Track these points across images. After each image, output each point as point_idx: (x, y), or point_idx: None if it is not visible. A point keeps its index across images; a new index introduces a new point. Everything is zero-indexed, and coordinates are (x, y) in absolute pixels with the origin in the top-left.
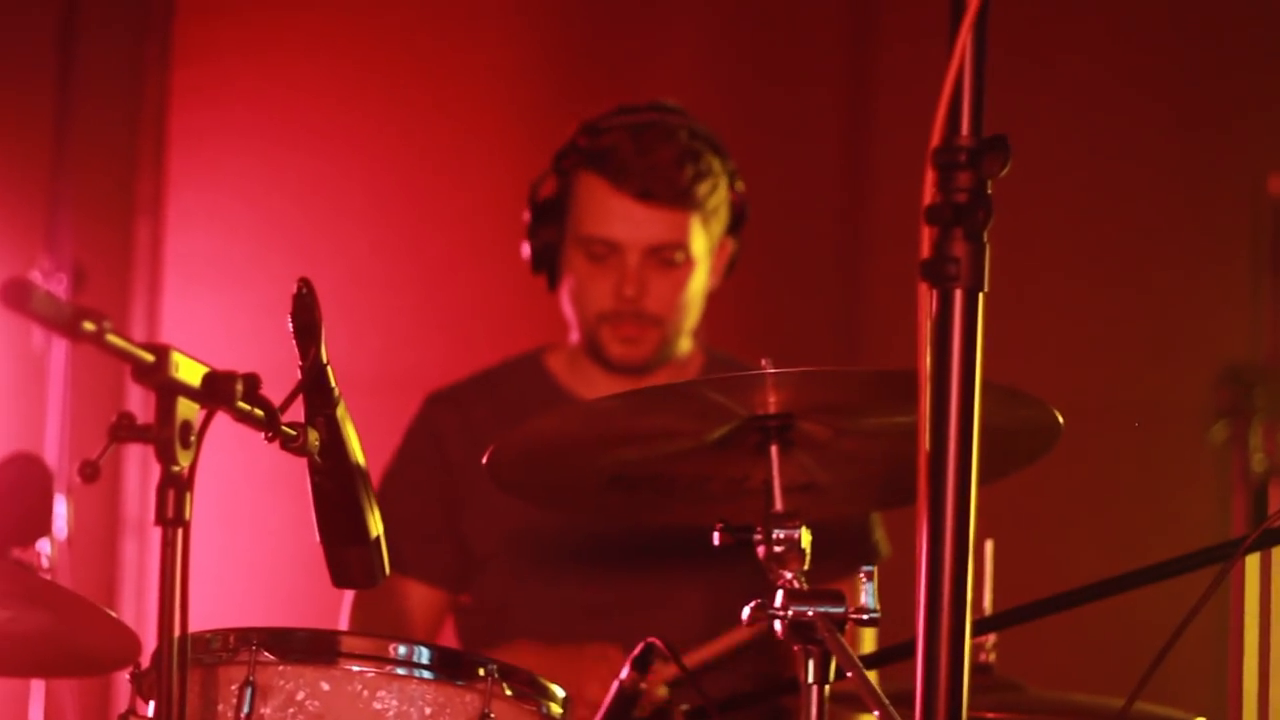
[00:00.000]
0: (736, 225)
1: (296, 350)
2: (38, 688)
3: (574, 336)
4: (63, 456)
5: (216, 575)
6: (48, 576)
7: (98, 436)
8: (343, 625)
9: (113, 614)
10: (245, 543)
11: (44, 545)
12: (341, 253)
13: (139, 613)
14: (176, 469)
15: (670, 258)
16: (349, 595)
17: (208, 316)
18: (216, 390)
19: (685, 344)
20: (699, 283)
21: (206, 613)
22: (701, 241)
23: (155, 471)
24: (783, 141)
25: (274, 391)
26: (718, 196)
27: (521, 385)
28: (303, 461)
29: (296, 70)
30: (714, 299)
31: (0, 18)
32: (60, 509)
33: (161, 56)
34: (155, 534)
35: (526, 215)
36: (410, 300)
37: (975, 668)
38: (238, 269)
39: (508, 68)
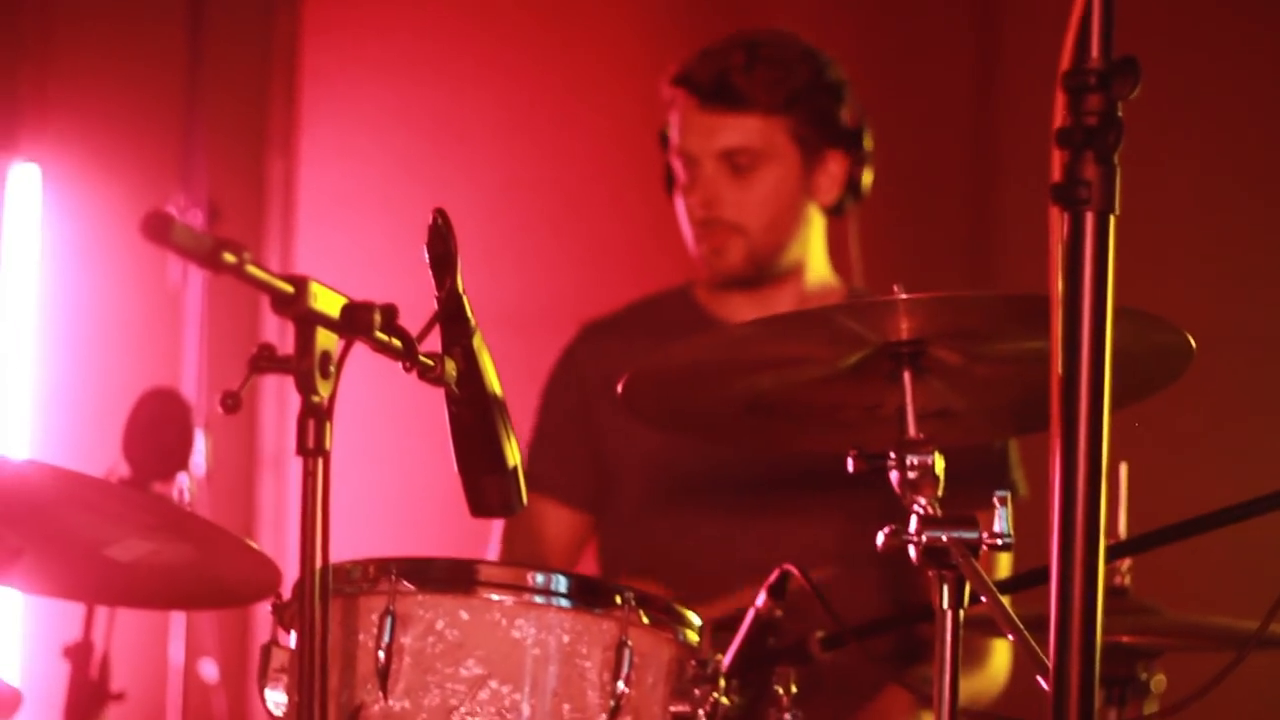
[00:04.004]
0: (845, 143)
1: (432, 280)
2: (178, 620)
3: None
4: (200, 391)
5: (355, 506)
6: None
7: (234, 371)
8: (491, 553)
9: (254, 545)
10: (383, 474)
11: (183, 480)
12: (475, 186)
13: (277, 546)
14: (316, 399)
15: (744, 163)
16: (497, 526)
17: (341, 250)
18: (355, 320)
19: (817, 267)
20: (786, 190)
21: (346, 543)
22: (780, 146)
23: (291, 406)
24: (911, 71)
25: (408, 324)
26: (802, 104)
27: (671, 314)
28: (438, 392)
29: (426, 5)
30: (841, 231)
31: None
32: (199, 444)
33: None
34: (292, 468)
35: (662, 147)
36: (545, 234)
37: (1110, 591)
38: (370, 203)
39: (635, 4)
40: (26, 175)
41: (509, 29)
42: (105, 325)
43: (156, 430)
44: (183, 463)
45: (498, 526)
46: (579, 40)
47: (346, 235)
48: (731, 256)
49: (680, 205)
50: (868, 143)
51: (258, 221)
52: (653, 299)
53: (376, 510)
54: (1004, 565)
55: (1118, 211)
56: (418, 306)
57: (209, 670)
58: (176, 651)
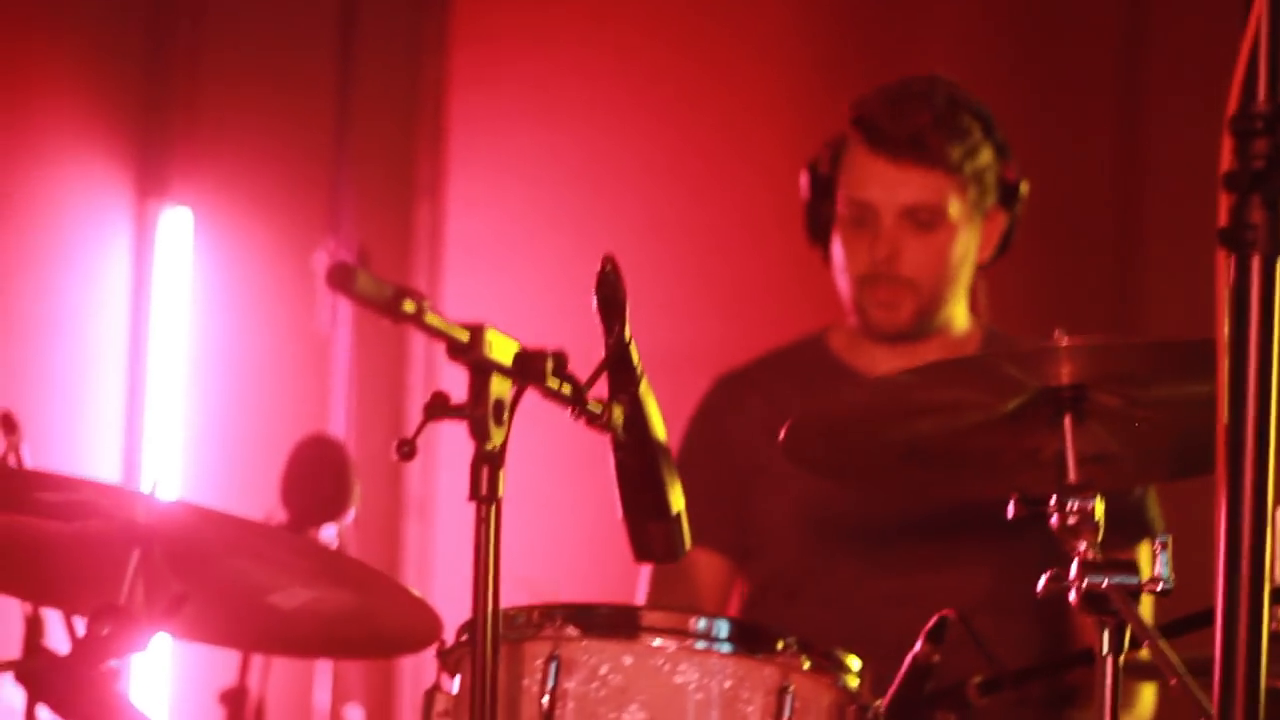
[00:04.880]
0: (1007, 198)
1: (601, 326)
2: (325, 667)
3: (850, 314)
4: (348, 437)
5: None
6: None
7: (381, 416)
8: (640, 599)
9: (417, 593)
10: (540, 520)
11: (332, 527)
12: (619, 232)
13: (422, 591)
14: (490, 446)
15: (925, 220)
16: (644, 574)
17: (487, 297)
18: (529, 368)
19: (960, 317)
20: (960, 249)
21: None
22: (959, 206)
23: (438, 451)
24: (1058, 114)
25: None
26: (978, 162)
27: (807, 364)
28: (595, 438)
29: (572, 51)
30: (995, 277)
31: (282, 4)
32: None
33: (439, 39)
34: (438, 513)
35: (804, 188)
36: (688, 279)
37: (1271, 637)
38: (516, 250)
39: (780, 47)
40: (178, 219)
41: (654, 76)
42: (255, 370)
43: (315, 477)
44: (342, 510)
45: (645, 575)
46: (724, 86)
47: (493, 281)
48: (902, 312)
49: (839, 250)
50: (1024, 193)
51: (405, 267)
52: (787, 350)
53: (535, 555)
54: (1146, 608)
55: None
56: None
57: (355, 716)
58: (323, 697)
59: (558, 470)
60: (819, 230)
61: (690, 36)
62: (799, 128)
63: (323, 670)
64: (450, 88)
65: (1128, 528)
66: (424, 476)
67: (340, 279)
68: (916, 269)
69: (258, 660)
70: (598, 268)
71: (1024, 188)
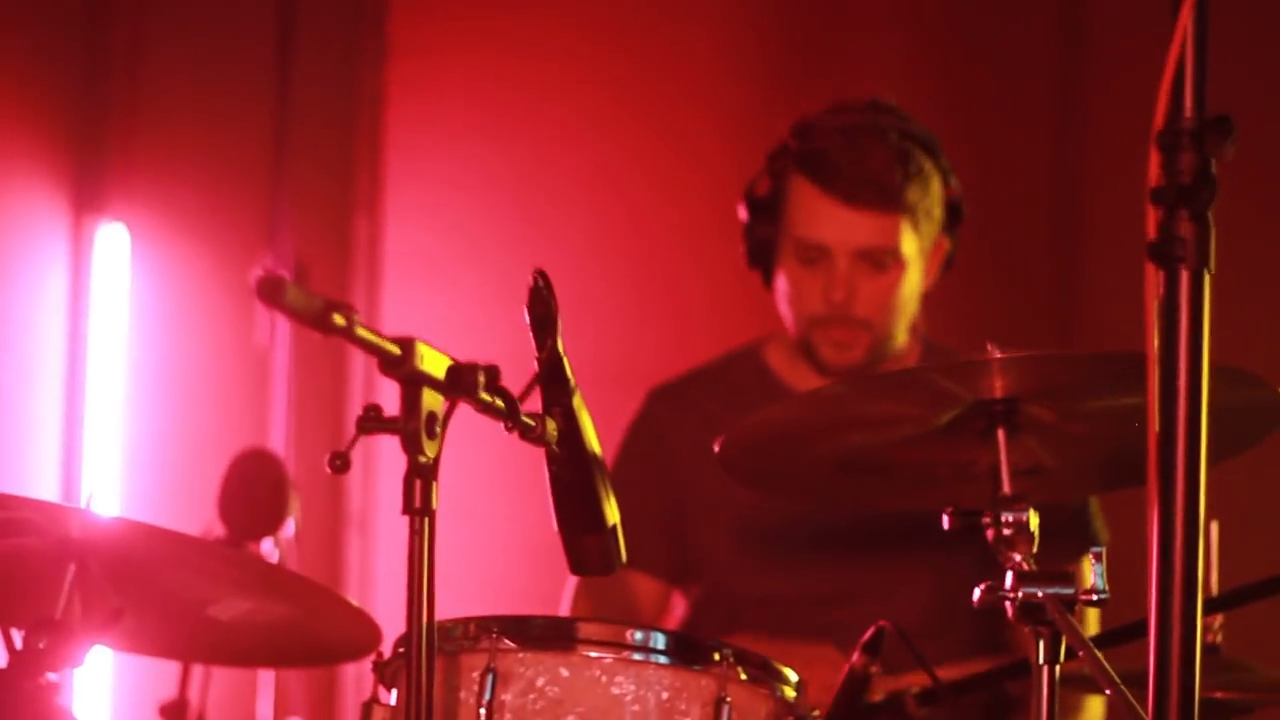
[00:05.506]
0: (951, 224)
1: (533, 341)
2: (267, 678)
3: (796, 343)
4: (288, 452)
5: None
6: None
7: (322, 431)
8: (564, 610)
9: (355, 603)
10: (470, 534)
11: (271, 541)
12: (557, 246)
13: (366, 604)
14: (423, 459)
15: (880, 261)
16: (569, 585)
17: (426, 311)
18: (461, 381)
19: (901, 338)
20: (911, 284)
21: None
22: (912, 243)
23: (378, 466)
24: (996, 127)
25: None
26: (929, 198)
27: (742, 379)
28: (528, 452)
29: (511, 64)
30: (929, 289)
31: (218, 18)
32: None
33: (377, 52)
34: (378, 527)
35: (743, 213)
36: (626, 293)
37: (1203, 648)
38: (455, 263)
39: (721, 59)
40: (114, 236)
41: (593, 88)
42: (193, 385)
43: (252, 491)
44: (279, 523)
45: (571, 587)
46: (664, 99)
47: (432, 295)
48: (855, 352)
49: (786, 285)
50: (964, 216)
51: (343, 282)
52: (721, 363)
53: (466, 570)
54: (1092, 620)
55: (1213, 269)
56: (505, 367)
57: None
58: (265, 709)
59: (496, 484)
60: (760, 255)
61: (631, 49)
62: (740, 141)
63: (265, 682)
64: (388, 101)
65: (1071, 539)
66: (364, 490)
67: (270, 292)
68: (871, 310)
69: (198, 672)
70: (530, 282)
71: (964, 209)
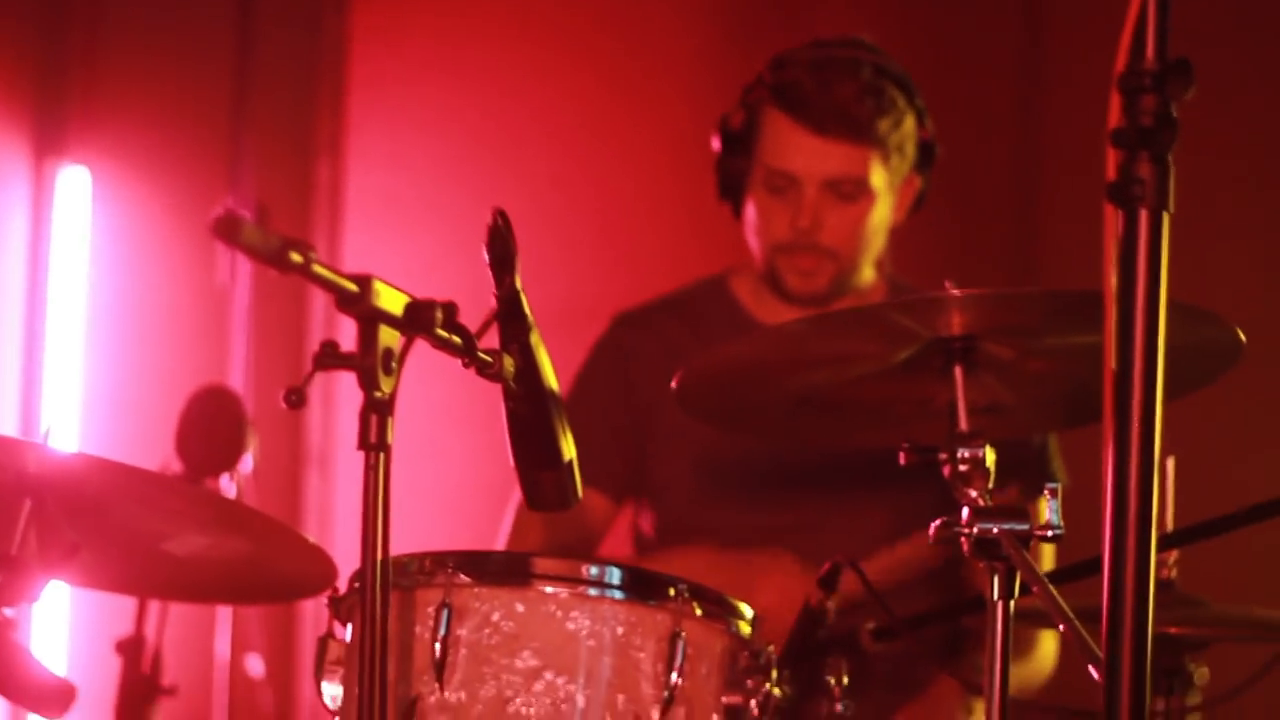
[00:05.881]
0: (924, 163)
1: (492, 279)
2: (225, 614)
3: (762, 273)
4: (247, 389)
5: (409, 501)
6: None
7: (282, 368)
8: (504, 532)
9: (311, 539)
10: (430, 468)
11: (230, 477)
12: (521, 187)
13: (323, 542)
14: (379, 395)
15: (848, 191)
16: (511, 501)
17: (387, 253)
18: (418, 318)
19: (868, 274)
20: (879, 217)
21: (406, 537)
22: (881, 176)
23: (338, 403)
24: (957, 67)
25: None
26: (900, 133)
27: (708, 308)
28: (486, 389)
29: (475, 6)
30: (898, 225)
31: None
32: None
33: None
34: (338, 465)
35: (716, 144)
36: (592, 232)
37: (1157, 584)
38: (417, 205)
39: (685, 4)
40: (75, 178)
41: (555, 32)
42: (154, 324)
43: (209, 427)
44: (235, 459)
45: (512, 502)
46: (624, 42)
47: (393, 237)
48: (820, 279)
49: (755, 214)
50: (938, 155)
51: (305, 224)
52: (688, 291)
53: (425, 506)
54: (1048, 557)
55: (1172, 210)
56: (465, 306)
57: (255, 665)
58: (223, 646)
59: (457, 420)
60: (730, 187)
61: None
62: (702, 83)
63: (223, 619)
64: (351, 43)
65: (1029, 477)
66: (324, 427)
67: (226, 230)
68: (837, 239)
69: (155, 608)
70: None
71: (938, 150)
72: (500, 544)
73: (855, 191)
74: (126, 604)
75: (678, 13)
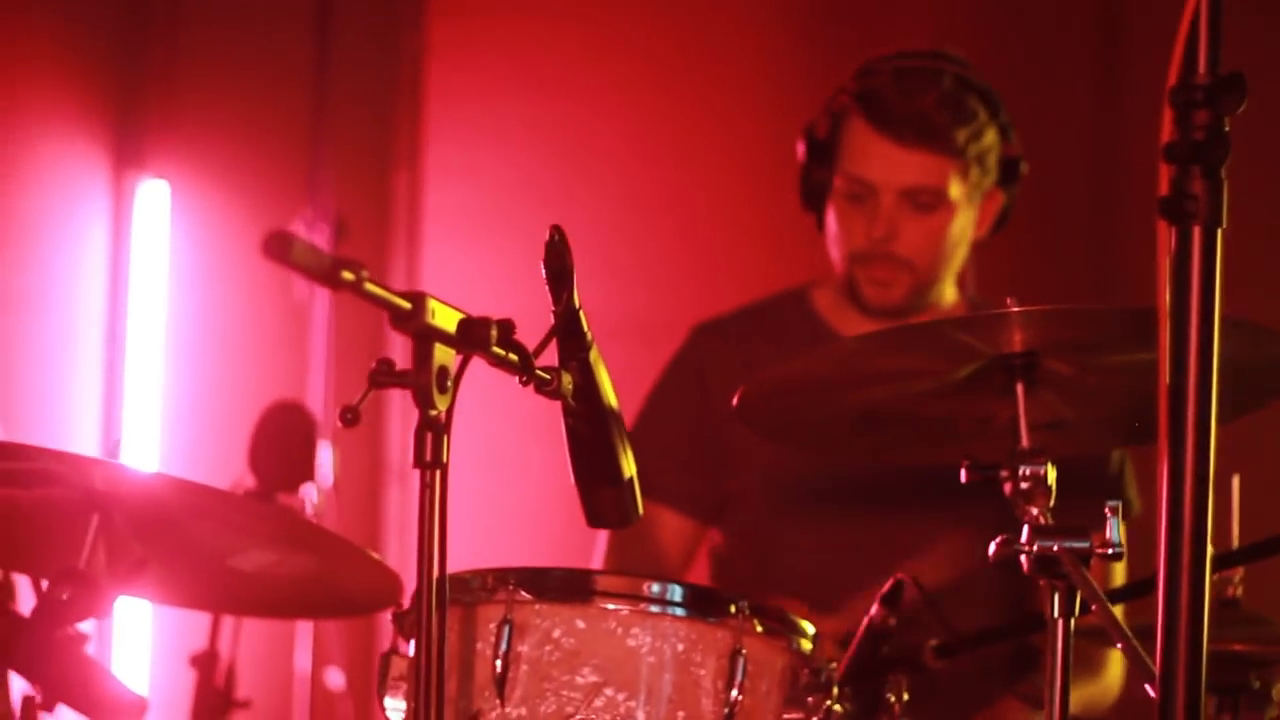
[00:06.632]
0: (1008, 178)
1: (550, 296)
2: (305, 628)
3: (841, 283)
4: (327, 405)
5: (477, 517)
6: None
7: (360, 384)
8: (598, 558)
9: (375, 555)
10: (506, 485)
11: (310, 491)
12: (599, 202)
13: (403, 556)
14: (434, 413)
15: (925, 201)
16: (601, 534)
17: (466, 266)
18: (472, 336)
19: (950, 293)
20: (958, 229)
21: (467, 554)
22: (960, 188)
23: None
24: (1036, 88)
25: (534, 337)
26: (981, 145)
27: (787, 320)
28: (551, 406)
29: (549, 21)
30: (980, 239)
31: None
32: (325, 456)
33: (417, 10)
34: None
35: (800, 153)
36: (668, 248)
37: (1222, 602)
38: (495, 219)
39: (760, 13)
40: (155, 191)
41: (631, 46)
42: (233, 339)
43: (281, 443)
44: (307, 474)
45: (604, 534)
46: (697, 57)
47: (471, 250)
48: (896, 291)
49: (834, 222)
50: (1023, 171)
51: (383, 237)
52: (769, 303)
53: (499, 521)
54: (1119, 576)
55: (1224, 225)
56: (544, 320)
57: (335, 678)
58: (303, 660)
59: (530, 436)
60: (813, 197)
61: (668, 8)
62: (777, 99)
63: (303, 633)
64: (428, 58)
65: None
66: (404, 442)
67: (277, 249)
68: (913, 249)
69: (229, 624)
70: (546, 237)
71: (1024, 167)
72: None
73: (933, 202)
74: (203, 619)
75: (751, 28)
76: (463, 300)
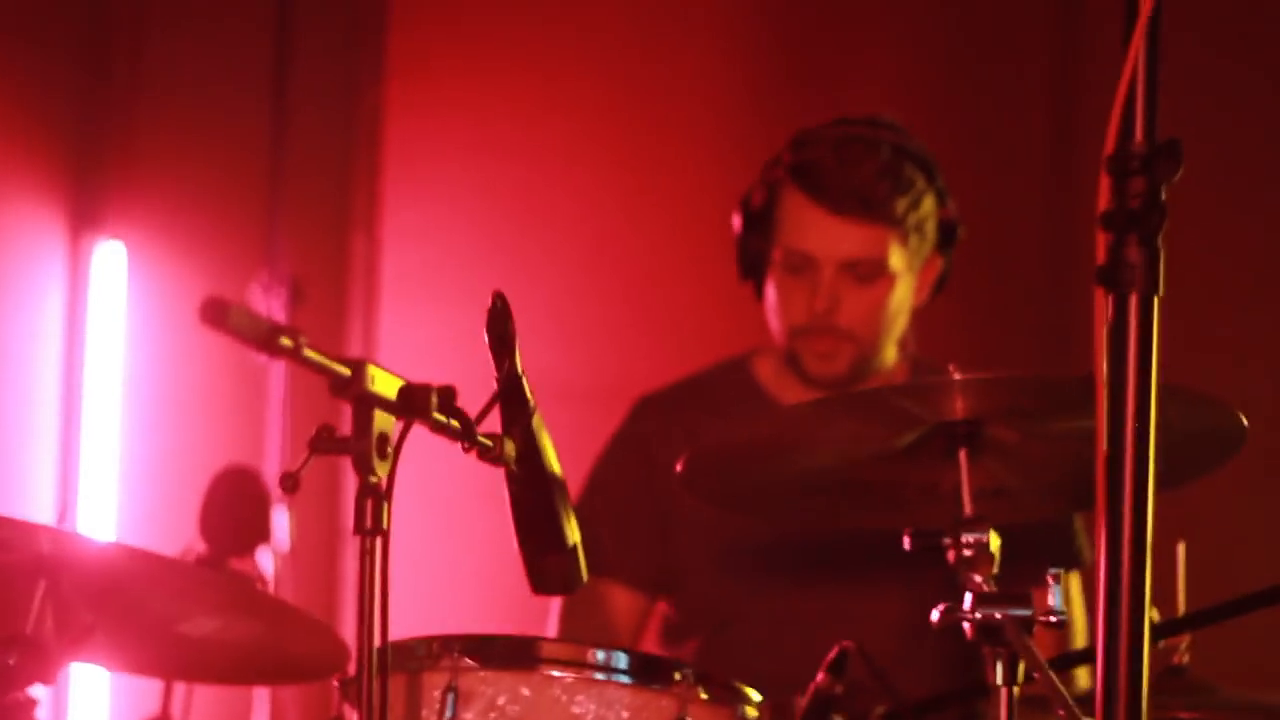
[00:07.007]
0: (945, 244)
1: (492, 362)
2: (261, 695)
3: (782, 354)
4: (285, 468)
5: (422, 584)
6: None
7: None
8: (550, 632)
9: (321, 622)
10: (451, 552)
11: (265, 557)
12: (554, 264)
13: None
14: (374, 479)
15: (866, 273)
16: (555, 603)
17: (423, 329)
18: (412, 402)
19: (890, 354)
20: (899, 299)
21: (412, 620)
22: (900, 258)
23: None
24: (990, 146)
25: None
26: (920, 213)
27: (729, 391)
28: (496, 473)
29: (509, 83)
30: (923, 307)
31: (215, 35)
32: (281, 520)
33: (375, 71)
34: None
35: (736, 224)
36: (622, 310)
37: (1169, 669)
38: (453, 282)
39: (714, 78)
40: (112, 253)
41: (589, 107)
42: (190, 403)
43: (232, 507)
44: (260, 539)
45: (556, 605)
46: (658, 117)
47: (430, 313)
48: (839, 363)
49: (774, 295)
50: (960, 235)
51: (340, 300)
52: (710, 374)
53: (441, 587)
54: (1081, 637)
55: (1161, 293)
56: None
57: None
58: None
59: (464, 503)
60: (751, 268)
61: (624, 68)
62: (735, 161)
63: (260, 699)
64: (386, 119)
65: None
66: None
67: (213, 315)
68: (855, 321)
69: (181, 689)
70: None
71: (961, 231)
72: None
73: (873, 273)
74: (157, 685)
75: (709, 90)
76: (420, 363)
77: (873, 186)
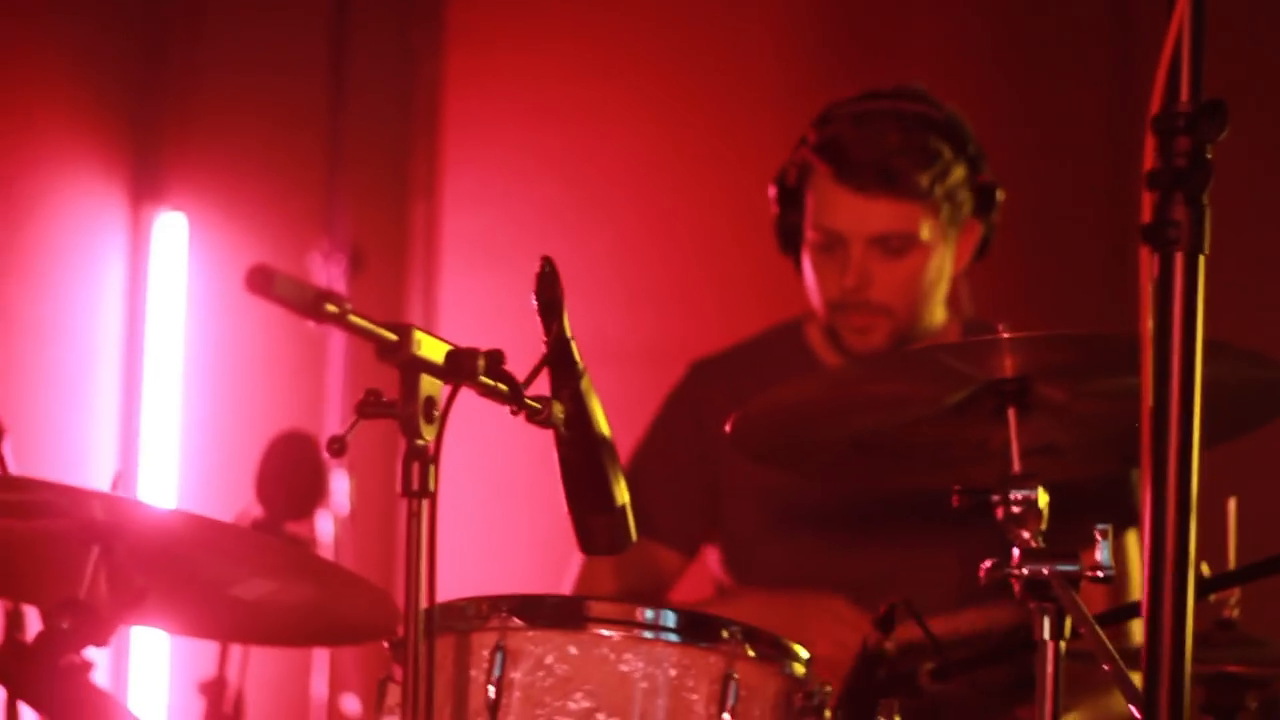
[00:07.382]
0: (983, 208)
1: (541, 326)
2: (321, 655)
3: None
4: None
5: (473, 545)
6: (328, 550)
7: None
8: (567, 587)
9: (374, 584)
10: (501, 513)
11: (325, 520)
12: (611, 228)
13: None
14: (421, 443)
15: (896, 247)
16: (575, 560)
17: (483, 295)
18: (459, 366)
19: (939, 316)
20: (935, 268)
21: (463, 581)
22: (931, 228)
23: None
24: (1045, 111)
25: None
26: (948, 182)
27: (781, 355)
28: (545, 435)
29: (566, 51)
30: (981, 268)
31: (274, 9)
32: (341, 485)
33: (433, 41)
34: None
35: (773, 201)
36: (681, 273)
37: (1219, 623)
38: (511, 248)
39: (773, 43)
40: (173, 224)
41: (645, 75)
42: (250, 370)
43: (288, 472)
44: (316, 504)
45: (575, 562)
46: (713, 85)
47: (489, 280)
48: (876, 336)
49: (810, 270)
50: (1000, 198)
51: (400, 267)
52: (763, 338)
53: (491, 548)
54: (1138, 593)
55: (1207, 251)
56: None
57: (351, 705)
58: (319, 687)
59: (514, 465)
60: (789, 242)
61: (685, 34)
62: (786, 126)
63: (320, 660)
64: (445, 88)
65: (1114, 515)
66: None
67: (259, 283)
68: (889, 295)
69: (237, 652)
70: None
71: (1000, 194)
72: (566, 590)
73: (904, 246)
74: (214, 647)
75: (770, 54)
76: (481, 329)
77: (894, 161)
